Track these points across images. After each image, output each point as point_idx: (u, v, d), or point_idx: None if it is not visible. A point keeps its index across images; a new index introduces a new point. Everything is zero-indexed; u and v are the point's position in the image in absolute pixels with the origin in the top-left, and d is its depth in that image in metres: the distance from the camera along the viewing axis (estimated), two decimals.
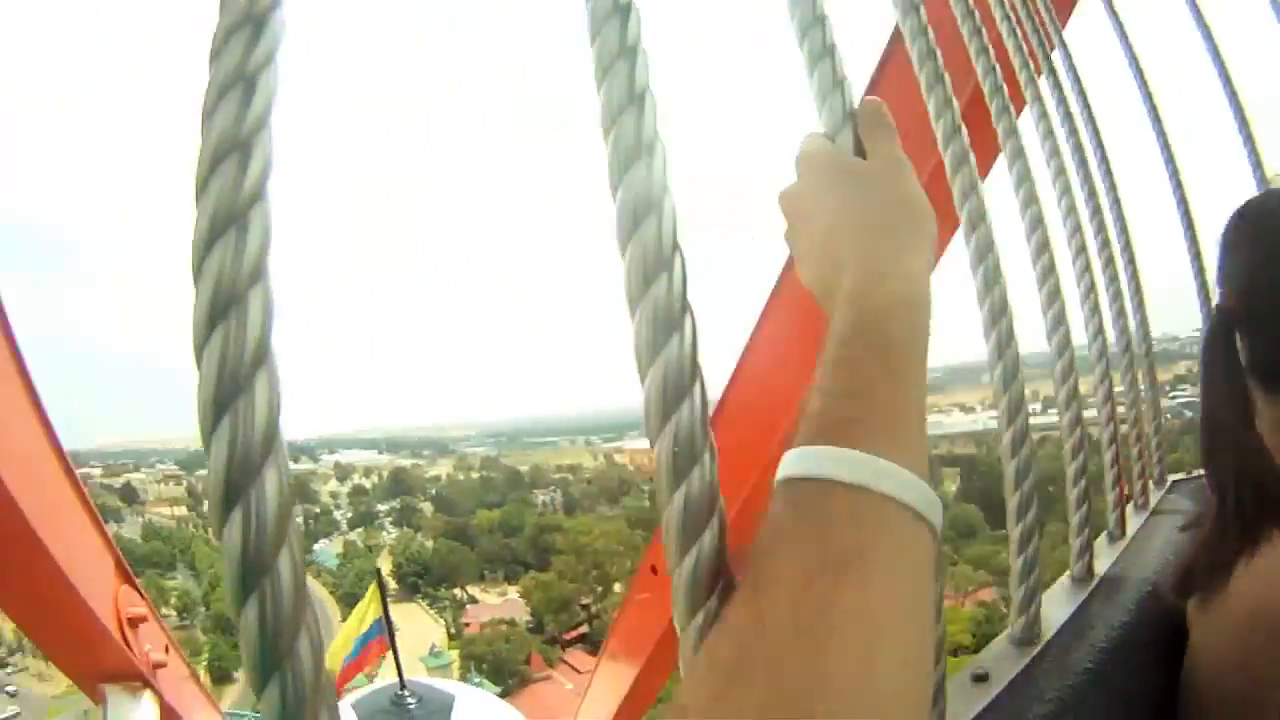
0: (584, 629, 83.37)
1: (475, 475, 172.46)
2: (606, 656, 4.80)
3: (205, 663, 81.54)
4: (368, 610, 6.11)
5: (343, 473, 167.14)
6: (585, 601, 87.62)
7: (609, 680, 4.86)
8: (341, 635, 6.11)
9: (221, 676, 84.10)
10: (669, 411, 0.54)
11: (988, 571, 73.55)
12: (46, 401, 2.32)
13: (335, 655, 6.04)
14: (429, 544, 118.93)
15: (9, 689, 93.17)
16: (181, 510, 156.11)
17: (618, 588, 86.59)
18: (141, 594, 3.06)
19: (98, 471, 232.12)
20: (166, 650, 3.22)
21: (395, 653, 5.81)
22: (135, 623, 3.01)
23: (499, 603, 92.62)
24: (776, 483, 0.52)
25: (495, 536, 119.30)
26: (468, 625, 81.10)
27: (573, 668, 72.95)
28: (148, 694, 3.10)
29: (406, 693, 4.98)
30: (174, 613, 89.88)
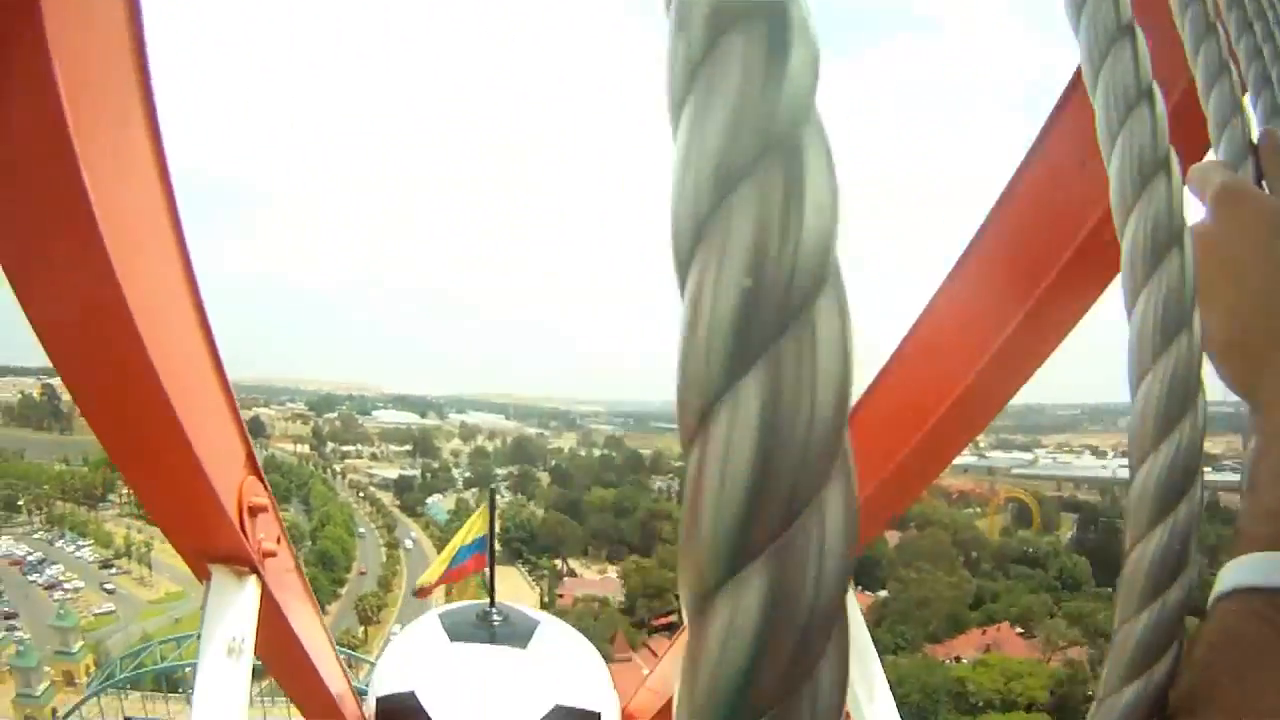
0: (673, 617, 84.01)
1: (597, 453, 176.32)
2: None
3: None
4: (475, 525, 5.45)
5: (468, 433, 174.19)
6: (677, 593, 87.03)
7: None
8: (449, 546, 5.50)
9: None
10: (1166, 428, 0.45)
11: (1082, 630, 71.05)
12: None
13: (441, 562, 5.54)
14: (540, 513, 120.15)
15: (107, 586, 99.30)
16: (304, 449, 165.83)
17: None
18: (266, 486, 3.28)
19: None
20: (278, 541, 3.45)
21: (491, 570, 5.41)
22: (255, 511, 3.24)
23: (597, 579, 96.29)
24: (1226, 592, 0.42)
25: (605, 515, 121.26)
26: (561, 596, 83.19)
27: (653, 654, 73.37)
28: (253, 579, 3.31)
29: (494, 610, 4.93)
30: None
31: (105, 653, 71.08)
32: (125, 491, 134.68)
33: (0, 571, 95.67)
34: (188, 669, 55.60)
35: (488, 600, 5.13)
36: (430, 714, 4.57)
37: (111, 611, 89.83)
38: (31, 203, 1.63)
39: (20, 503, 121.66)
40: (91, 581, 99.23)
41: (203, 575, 3.26)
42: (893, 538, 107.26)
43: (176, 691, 59.66)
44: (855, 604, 3.83)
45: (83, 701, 58.13)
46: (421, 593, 5.77)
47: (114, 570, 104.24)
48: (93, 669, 66.60)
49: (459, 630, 4.97)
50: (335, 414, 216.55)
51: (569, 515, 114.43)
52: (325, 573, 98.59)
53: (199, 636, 3.21)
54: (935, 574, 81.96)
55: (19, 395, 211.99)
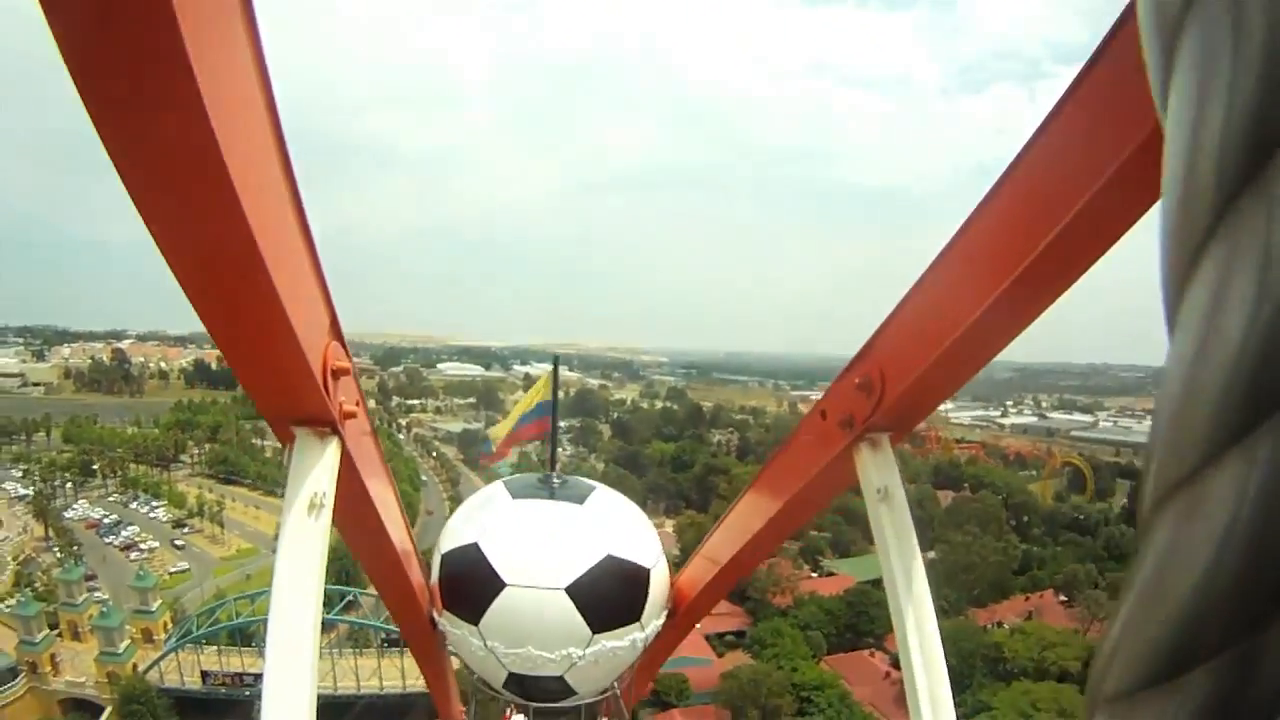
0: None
1: (659, 405, 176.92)
2: (753, 490, 5.61)
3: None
4: (539, 392, 6.48)
5: (530, 385, 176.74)
6: None
7: (747, 512, 5.74)
8: (517, 407, 6.63)
9: None
10: None
11: None
12: None
13: (510, 419, 6.53)
14: (600, 466, 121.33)
15: (177, 543, 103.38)
16: (370, 404, 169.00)
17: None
18: (347, 351, 3.55)
19: None
20: (357, 404, 3.77)
21: (554, 438, 6.28)
22: (338, 374, 3.49)
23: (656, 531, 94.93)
24: None
25: (664, 470, 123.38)
26: None
27: None
28: (334, 441, 3.64)
29: (554, 475, 5.70)
30: None
31: (181, 609, 75.01)
32: (196, 452, 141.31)
33: (78, 534, 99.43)
34: (261, 624, 59.43)
35: (549, 466, 5.86)
36: (491, 562, 5.28)
37: (186, 569, 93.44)
38: (130, 58, 1.72)
39: (95, 466, 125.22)
40: (166, 541, 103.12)
41: (287, 439, 3.64)
42: (945, 498, 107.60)
43: (250, 645, 63.70)
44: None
45: (161, 657, 62.94)
46: (487, 457, 7.30)
47: (187, 529, 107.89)
48: (170, 626, 70.37)
49: (520, 490, 5.67)
50: (401, 367, 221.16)
51: (628, 470, 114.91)
52: None
53: (282, 495, 3.55)
54: (983, 538, 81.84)
55: (89, 360, 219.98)
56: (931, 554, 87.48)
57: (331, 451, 3.64)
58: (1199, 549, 0.23)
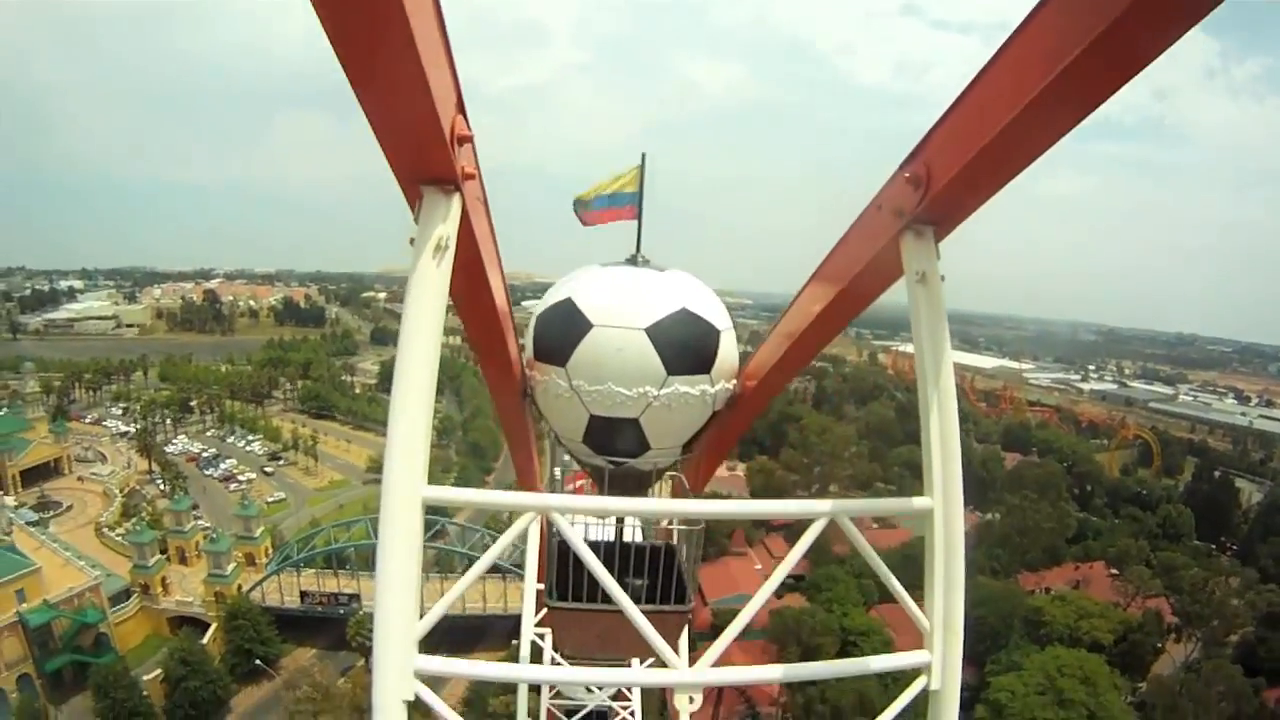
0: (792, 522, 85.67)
1: (740, 349, 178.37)
2: (815, 279, 6.40)
3: (452, 481, 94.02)
4: (627, 183, 7.13)
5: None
6: (802, 495, 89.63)
7: (809, 298, 6.51)
8: (597, 185, 7.17)
9: None
10: None
11: (1167, 583, 71.68)
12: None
13: (602, 187, 7.17)
14: None
15: (266, 469, 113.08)
16: (456, 340, 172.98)
17: (833, 489, 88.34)
18: (468, 124, 4.32)
19: (383, 295, 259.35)
20: (476, 168, 4.57)
21: (640, 222, 7.21)
22: (462, 141, 4.27)
23: (724, 475, 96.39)
24: None
25: None
26: None
27: (769, 551, 77.99)
28: (456, 197, 4.41)
29: (639, 255, 7.06)
30: (434, 434, 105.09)
31: (280, 536, 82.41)
32: (288, 388, 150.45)
33: (180, 467, 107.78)
34: (352, 550, 65.71)
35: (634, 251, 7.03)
36: (580, 308, 6.42)
37: (283, 499, 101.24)
38: None
39: (193, 404, 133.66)
40: (260, 473, 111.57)
41: (415, 198, 4.44)
42: (1011, 460, 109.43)
43: (345, 568, 71.00)
44: (960, 521, 4.98)
45: (264, 579, 70.37)
46: (583, 215, 7.12)
47: (282, 462, 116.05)
48: (271, 551, 77.55)
49: (609, 264, 6.94)
50: None
51: None
52: (475, 461, 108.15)
53: (412, 243, 4.44)
54: (1039, 504, 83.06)
55: (179, 301, 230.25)
56: (992, 515, 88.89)
57: (454, 205, 4.43)
58: None
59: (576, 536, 5.02)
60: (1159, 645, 66.20)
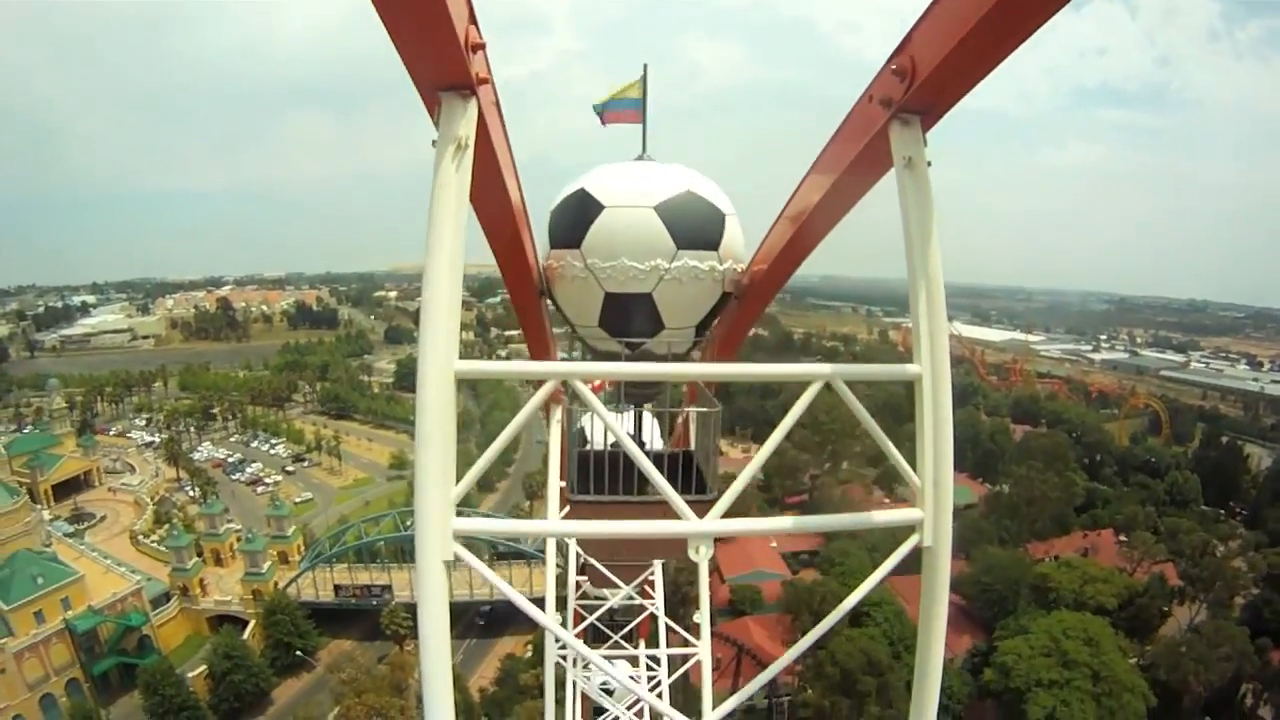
0: (804, 497, 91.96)
1: (751, 332, 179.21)
2: (813, 171, 6.63)
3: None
4: (632, 90, 7.55)
5: None
6: (815, 473, 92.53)
7: (806, 190, 6.82)
8: (609, 94, 7.60)
9: (485, 485, 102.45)
10: None
11: (1171, 548, 73.03)
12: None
13: (601, 100, 7.61)
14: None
15: (289, 469, 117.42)
16: (469, 335, 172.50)
17: (845, 466, 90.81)
18: (480, 34, 4.76)
19: (394, 294, 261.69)
20: (488, 73, 4.94)
21: (645, 127, 7.62)
22: (476, 49, 4.65)
23: (740, 458, 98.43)
24: None
25: (752, 396, 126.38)
26: None
27: None
28: (473, 100, 4.81)
29: (645, 155, 7.57)
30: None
31: (310, 534, 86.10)
32: (307, 391, 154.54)
33: (208, 473, 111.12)
34: (382, 543, 68.96)
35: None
36: (592, 193, 7.07)
37: (310, 499, 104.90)
38: None
39: (215, 411, 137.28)
40: (288, 474, 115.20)
41: (434, 104, 4.85)
42: (1018, 432, 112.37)
43: (376, 561, 74.72)
44: (947, 387, 5.45)
45: (298, 575, 73.93)
46: (604, 116, 7.68)
47: (306, 463, 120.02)
48: (303, 549, 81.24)
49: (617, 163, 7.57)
50: (499, 298, 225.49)
51: (718, 397, 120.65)
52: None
53: (434, 145, 4.83)
54: (1045, 474, 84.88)
55: (192, 310, 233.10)
56: (999, 487, 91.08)
57: (471, 109, 4.83)
58: None
59: (594, 399, 5.46)
60: (1165, 609, 67.81)
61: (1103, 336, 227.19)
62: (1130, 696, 52.63)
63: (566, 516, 11.25)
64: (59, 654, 64.84)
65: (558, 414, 12.73)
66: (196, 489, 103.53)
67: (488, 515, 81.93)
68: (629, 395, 7.91)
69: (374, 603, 73.11)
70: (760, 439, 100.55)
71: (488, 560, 72.29)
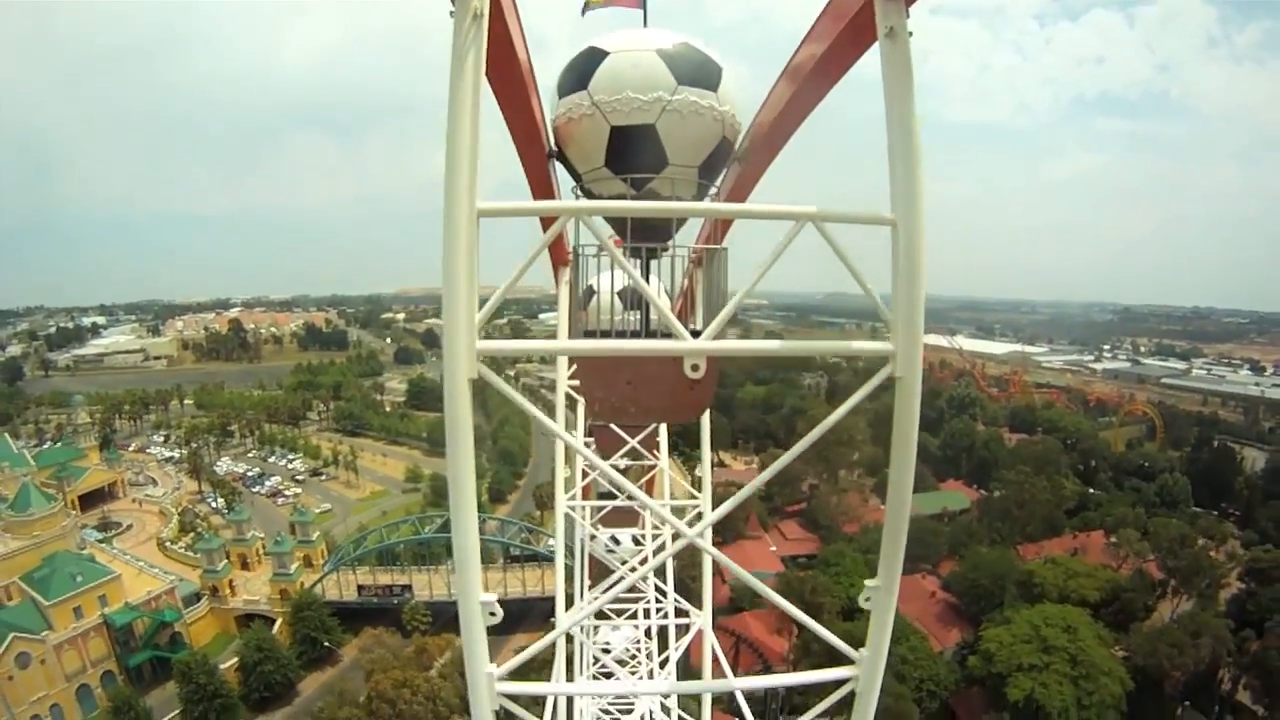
0: (803, 505, 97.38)
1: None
2: (808, 40, 6.90)
3: (486, 485, 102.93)
4: None
5: None
6: (813, 483, 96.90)
7: (802, 56, 7.09)
8: None
9: (498, 496, 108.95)
10: None
11: (1154, 546, 75.81)
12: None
13: None
14: None
15: (299, 477, 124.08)
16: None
17: (841, 474, 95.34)
18: None
19: (401, 316, 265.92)
20: None
21: (645, 12, 8.10)
22: None
23: (742, 469, 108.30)
24: None
25: (754, 412, 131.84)
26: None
27: (782, 534, 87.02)
28: None
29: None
30: None
31: (331, 541, 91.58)
32: (322, 409, 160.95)
33: (230, 485, 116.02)
34: (402, 546, 74.33)
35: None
36: (600, 46, 7.48)
37: (329, 510, 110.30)
38: None
39: (232, 428, 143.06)
40: (307, 488, 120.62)
41: None
42: (1013, 440, 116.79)
43: (396, 564, 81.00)
44: (921, 233, 5.69)
45: (324, 576, 79.27)
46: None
47: (324, 477, 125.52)
48: (326, 554, 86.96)
49: None
50: (505, 319, 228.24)
51: (720, 412, 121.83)
52: (506, 467, 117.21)
53: (451, 14, 4.99)
54: (1035, 479, 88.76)
55: (202, 331, 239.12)
56: (991, 492, 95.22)
57: None
58: None
59: (603, 234, 5.84)
60: (1149, 604, 70.78)
61: (1105, 346, 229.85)
62: (1107, 679, 56.12)
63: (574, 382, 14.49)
64: (96, 647, 69.57)
65: (565, 275, 13.09)
66: (219, 500, 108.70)
67: (502, 520, 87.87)
68: (634, 251, 7.85)
69: (395, 602, 78.00)
70: (760, 451, 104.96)
71: (501, 564, 77.54)
